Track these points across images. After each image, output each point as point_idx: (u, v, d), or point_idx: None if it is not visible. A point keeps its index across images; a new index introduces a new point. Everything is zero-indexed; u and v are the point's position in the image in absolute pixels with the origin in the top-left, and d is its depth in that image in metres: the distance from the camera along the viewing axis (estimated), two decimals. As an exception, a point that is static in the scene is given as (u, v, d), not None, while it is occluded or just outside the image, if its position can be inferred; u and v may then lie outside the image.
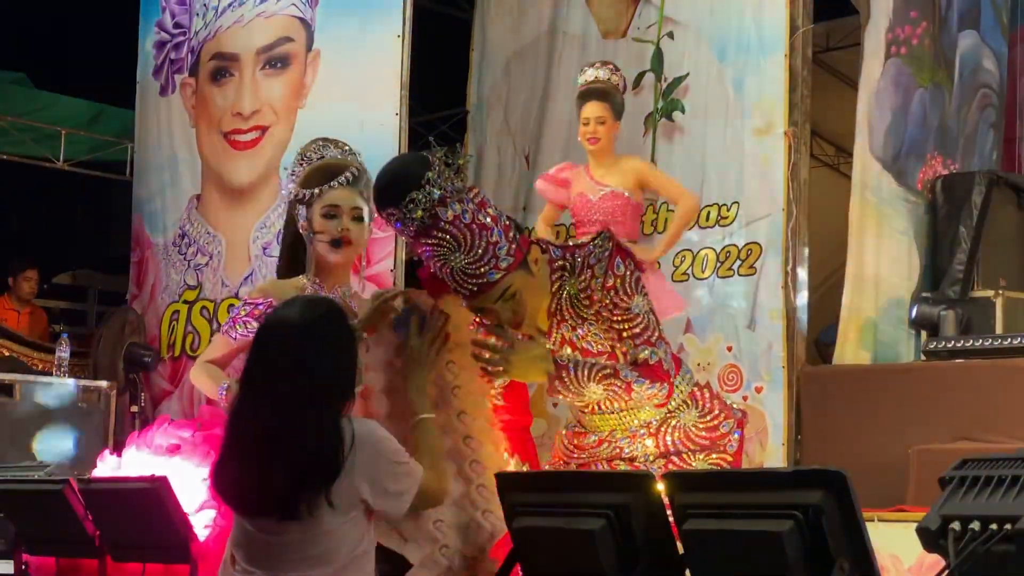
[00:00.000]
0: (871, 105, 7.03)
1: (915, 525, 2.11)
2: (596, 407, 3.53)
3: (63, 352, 7.64)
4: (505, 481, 2.77)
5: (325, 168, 3.91)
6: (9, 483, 4.64)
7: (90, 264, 11.90)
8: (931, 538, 2.06)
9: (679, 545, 2.35)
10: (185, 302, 8.01)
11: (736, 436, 3.56)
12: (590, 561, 2.42)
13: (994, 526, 1.98)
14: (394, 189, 3.28)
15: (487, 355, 3.36)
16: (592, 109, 5.87)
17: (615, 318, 3.42)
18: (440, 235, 3.27)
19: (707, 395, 3.60)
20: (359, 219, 3.87)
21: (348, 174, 3.86)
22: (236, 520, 2.97)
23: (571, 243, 3.64)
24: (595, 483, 2.63)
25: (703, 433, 3.53)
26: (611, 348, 3.46)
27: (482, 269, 3.30)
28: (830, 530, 2.10)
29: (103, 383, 7.62)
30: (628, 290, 3.43)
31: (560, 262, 3.47)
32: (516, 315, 3.40)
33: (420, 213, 3.25)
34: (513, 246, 3.35)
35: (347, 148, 4.02)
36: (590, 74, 5.94)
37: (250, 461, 2.85)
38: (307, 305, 3.03)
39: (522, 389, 4.54)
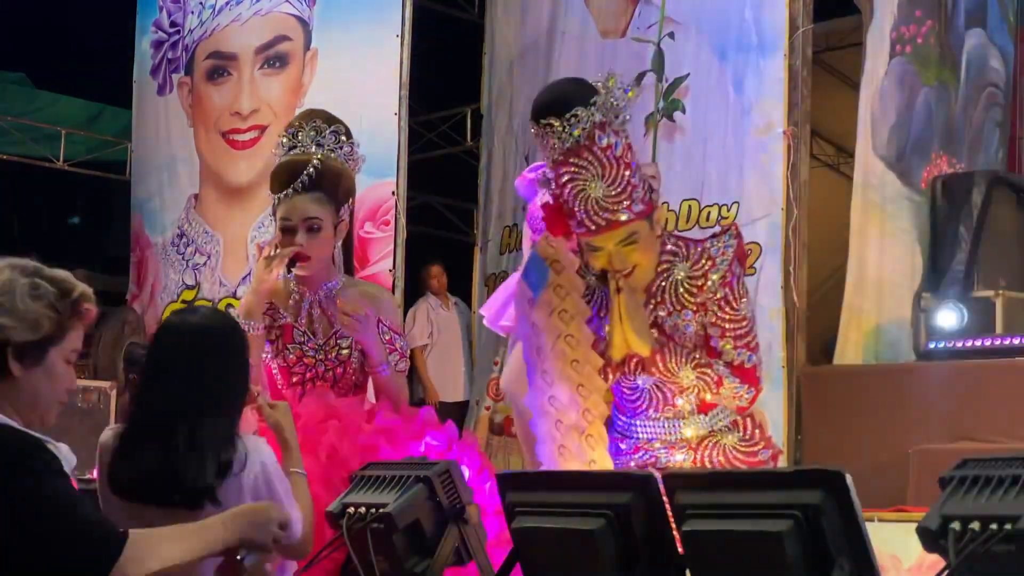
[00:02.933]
0: (874, 104, 7.03)
1: (915, 525, 2.10)
2: (646, 414, 3.55)
3: (63, 352, 7.64)
4: (505, 481, 2.77)
5: (281, 170, 3.80)
6: (9, 483, 4.63)
7: (90, 264, 11.90)
8: (931, 538, 2.06)
9: (679, 545, 2.35)
10: (184, 302, 8.01)
11: (770, 467, 3.59)
12: (590, 561, 2.41)
13: (994, 526, 1.98)
14: (560, 102, 3.34)
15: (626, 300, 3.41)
16: None
17: (723, 314, 3.46)
18: (589, 159, 3.32)
19: (750, 424, 3.64)
20: (315, 229, 3.73)
21: (299, 182, 3.72)
22: (114, 509, 2.99)
23: (689, 237, 3.68)
24: (595, 483, 2.63)
25: (741, 456, 3.56)
26: (695, 347, 3.48)
27: (616, 206, 3.34)
28: (830, 530, 2.10)
29: (103, 383, 7.62)
30: (740, 291, 3.48)
31: (672, 247, 3.51)
32: (627, 263, 3.42)
33: (579, 131, 3.30)
34: (647, 196, 3.39)
35: (325, 130, 3.84)
36: None
37: (148, 449, 2.88)
38: (208, 314, 3.10)
39: None
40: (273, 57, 7.81)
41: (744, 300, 3.49)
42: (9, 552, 2.38)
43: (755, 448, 3.58)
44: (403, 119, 7.06)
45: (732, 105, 6.74)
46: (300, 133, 3.84)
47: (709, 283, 3.45)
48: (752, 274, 6.52)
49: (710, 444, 3.55)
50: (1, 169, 10.07)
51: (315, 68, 7.61)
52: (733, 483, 2.33)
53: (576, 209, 3.37)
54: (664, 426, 3.58)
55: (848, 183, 10.44)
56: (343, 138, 3.86)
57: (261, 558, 2.80)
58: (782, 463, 6.06)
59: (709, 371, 3.44)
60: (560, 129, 3.32)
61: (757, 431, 3.63)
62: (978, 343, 6.25)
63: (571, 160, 3.34)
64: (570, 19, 7.58)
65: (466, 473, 3.46)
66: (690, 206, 6.75)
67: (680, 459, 3.55)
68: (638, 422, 3.60)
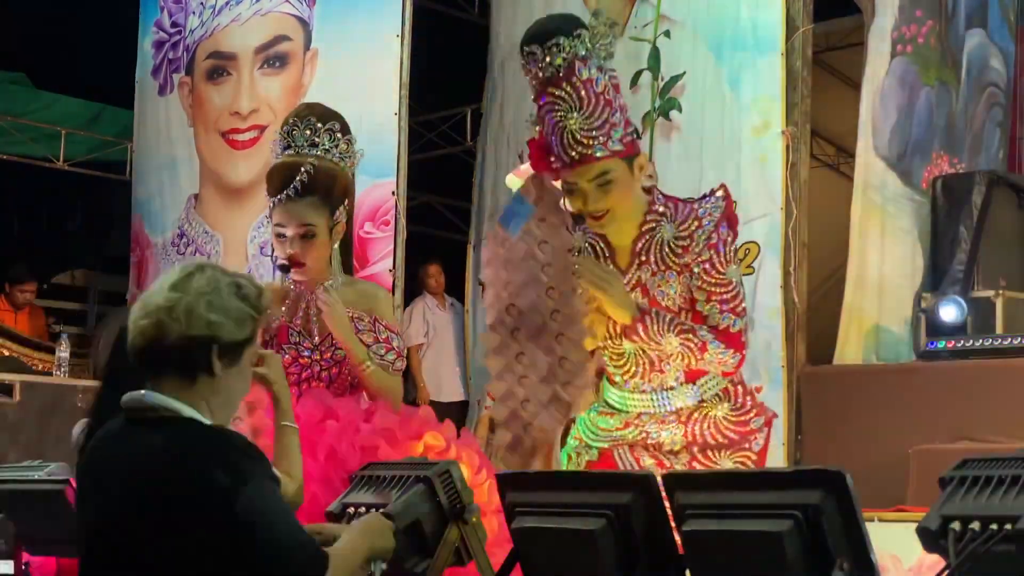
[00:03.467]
0: (875, 104, 7.03)
1: (915, 525, 2.11)
2: (636, 383, 3.52)
3: (63, 352, 7.64)
4: (505, 481, 2.77)
5: (275, 174, 3.77)
6: (9, 483, 4.63)
7: (90, 264, 11.90)
8: (931, 538, 2.06)
9: (679, 545, 2.35)
10: (184, 302, 8.00)
11: (764, 433, 3.56)
12: (590, 561, 2.41)
13: (994, 526, 1.98)
14: (545, 30, 3.35)
15: (591, 275, 3.39)
16: None
17: (710, 278, 3.42)
18: (568, 89, 3.30)
19: (740, 391, 3.59)
20: (309, 236, 3.70)
21: (292, 188, 3.69)
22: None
23: (679, 197, 3.64)
24: (595, 483, 2.63)
25: (732, 427, 3.52)
26: (680, 309, 3.46)
27: (592, 140, 3.32)
28: (830, 530, 2.09)
29: (103, 383, 7.61)
30: (728, 255, 3.44)
31: (661, 207, 3.48)
32: (600, 205, 3.39)
33: (560, 60, 3.29)
34: (628, 137, 3.38)
35: (320, 128, 3.79)
36: None
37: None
38: None
39: None
40: (273, 57, 7.82)
41: (732, 265, 3.44)
42: (221, 560, 2.33)
43: (747, 417, 3.54)
44: (403, 119, 7.05)
45: (729, 104, 6.74)
46: (295, 132, 3.81)
47: (695, 244, 3.42)
48: (751, 273, 6.52)
49: (700, 417, 3.51)
50: (1, 169, 10.07)
51: (315, 68, 7.61)
52: (733, 483, 2.33)
53: (553, 141, 3.35)
54: (653, 399, 3.55)
55: (848, 183, 10.43)
56: (339, 135, 3.82)
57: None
58: (782, 463, 6.09)
59: (692, 337, 3.40)
60: (543, 55, 3.31)
61: (748, 398, 3.58)
62: (978, 343, 6.25)
63: (550, 90, 3.33)
64: (568, 18, 7.57)
65: (466, 473, 3.46)
66: (688, 206, 6.74)
67: (676, 432, 3.52)
68: (629, 396, 3.57)
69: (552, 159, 3.38)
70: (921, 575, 4.51)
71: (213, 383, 2.45)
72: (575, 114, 3.30)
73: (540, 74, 3.34)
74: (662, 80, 7.01)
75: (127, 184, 9.05)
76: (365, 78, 7.21)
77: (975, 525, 2.00)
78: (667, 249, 3.45)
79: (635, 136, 3.42)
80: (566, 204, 3.47)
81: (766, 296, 6.47)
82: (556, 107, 3.32)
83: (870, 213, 6.94)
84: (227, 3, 8.07)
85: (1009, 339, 6.20)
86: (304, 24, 7.71)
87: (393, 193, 7.02)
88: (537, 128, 3.45)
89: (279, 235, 3.73)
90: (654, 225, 3.47)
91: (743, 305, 3.47)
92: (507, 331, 3.46)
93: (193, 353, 2.42)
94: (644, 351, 3.49)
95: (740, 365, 3.51)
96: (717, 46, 6.80)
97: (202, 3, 8.21)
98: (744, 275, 6.52)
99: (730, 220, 3.48)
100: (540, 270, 3.46)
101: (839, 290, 7.00)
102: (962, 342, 6.32)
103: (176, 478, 2.33)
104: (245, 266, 7.70)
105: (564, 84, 3.31)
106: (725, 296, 3.43)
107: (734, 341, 3.44)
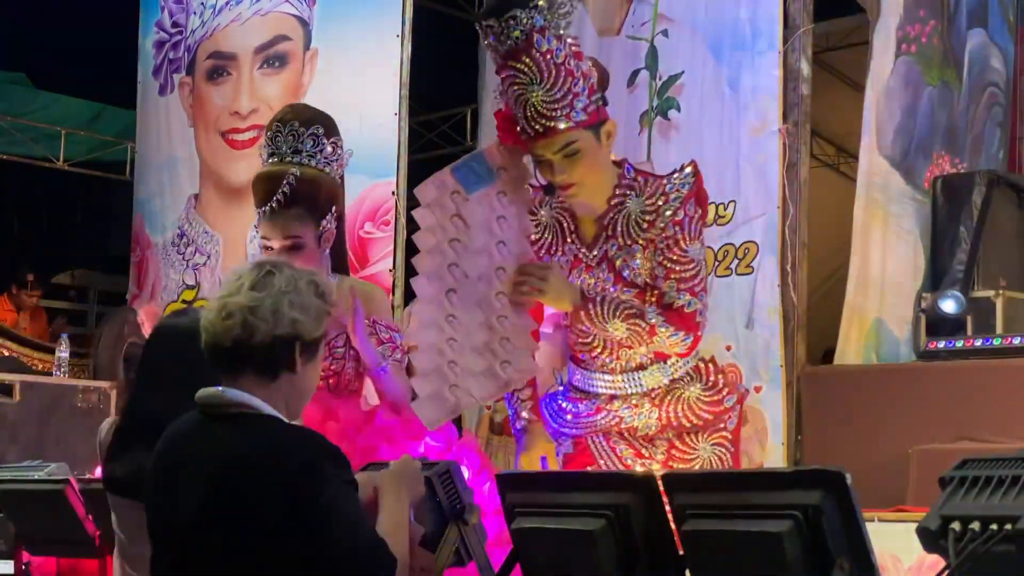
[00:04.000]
0: (880, 103, 7.02)
1: (915, 525, 2.10)
2: (603, 361, 3.50)
3: (63, 352, 7.65)
4: (505, 481, 2.77)
5: (259, 185, 3.71)
6: (9, 483, 4.63)
7: (90, 264, 11.91)
8: (931, 538, 2.06)
9: (679, 545, 2.35)
10: (184, 302, 8.01)
11: (737, 411, 3.55)
12: (590, 562, 2.41)
13: (994, 526, 1.98)
14: (501, 3, 3.29)
15: (524, 278, 3.36)
16: None
17: (671, 255, 3.40)
18: (528, 62, 3.27)
19: (712, 368, 3.58)
20: (296, 248, 3.64)
21: (274, 201, 3.63)
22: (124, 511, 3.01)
23: (650, 171, 3.61)
24: (595, 484, 2.63)
25: (706, 407, 3.51)
26: (644, 285, 3.43)
27: (554, 112, 3.29)
28: (830, 530, 2.09)
29: (103, 383, 7.62)
30: (692, 232, 3.41)
31: (629, 181, 3.46)
32: (569, 176, 3.36)
33: (518, 32, 3.26)
34: (592, 106, 3.35)
35: (303, 134, 3.71)
36: None
37: (142, 449, 2.86)
38: (197, 314, 3.09)
39: None
40: (273, 57, 7.81)
41: (695, 243, 3.41)
42: (299, 559, 2.37)
43: (720, 396, 3.53)
44: (403, 119, 7.05)
45: (727, 103, 6.73)
46: (278, 138, 3.72)
47: (660, 219, 3.39)
48: (750, 273, 6.52)
49: (673, 400, 3.50)
50: (1, 169, 10.08)
51: (315, 68, 7.60)
52: (733, 483, 2.33)
53: (517, 114, 3.32)
54: (625, 380, 3.52)
55: (848, 183, 10.44)
56: (323, 139, 3.74)
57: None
58: (781, 463, 6.08)
59: (640, 321, 3.38)
60: (500, 29, 3.27)
61: (720, 376, 3.57)
62: (978, 343, 6.25)
63: (510, 64, 3.30)
64: (567, 17, 7.57)
65: (466, 473, 3.46)
66: (687, 205, 6.74)
67: (651, 415, 3.51)
68: (597, 376, 3.55)
69: (518, 131, 3.36)
70: (921, 575, 4.51)
71: (293, 379, 2.51)
72: (536, 87, 3.27)
73: (500, 48, 3.30)
74: (660, 79, 7.00)
75: (127, 184, 9.06)
76: (365, 78, 7.20)
77: (975, 525, 1.99)
78: (633, 223, 3.43)
79: (600, 103, 3.38)
80: (537, 174, 3.45)
81: (765, 296, 6.46)
82: (517, 79, 3.30)
83: (873, 213, 6.94)
84: (227, 3, 8.06)
85: (1009, 339, 6.20)
86: (304, 24, 7.71)
87: (393, 193, 7.01)
88: (503, 100, 3.42)
89: (266, 248, 3.67)
90: (621, 199, 3.44)
91: (702, 285, 3.45)
92: (443, 288, 3.38)
93: (278, 351, 2.47)
94: None
95: (695, 345, 3.49)
96: (716, 45, 6.80)
97: (202, 3, 8.21)
98: (742, 275, 6.56)
99: (699, 197, 3.44)
100: (494, 245, 3.41)
101: (839, 290, 7.00)
102: (962, 342, 6.32)
103: (262, 475, 2.36)
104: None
105: (524, 57, 3.27)
106: (684, 275, 3.41)
107: (687, 322, 3.41)
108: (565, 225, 3.53)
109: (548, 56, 3.27)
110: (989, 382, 5.93)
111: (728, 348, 6.52)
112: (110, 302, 10.46)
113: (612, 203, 3.45)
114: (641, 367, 3.50)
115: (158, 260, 8.31)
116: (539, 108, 3.28)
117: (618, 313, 3.38)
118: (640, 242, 3.41)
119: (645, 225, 3.41)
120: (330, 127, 3.80)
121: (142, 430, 2.94)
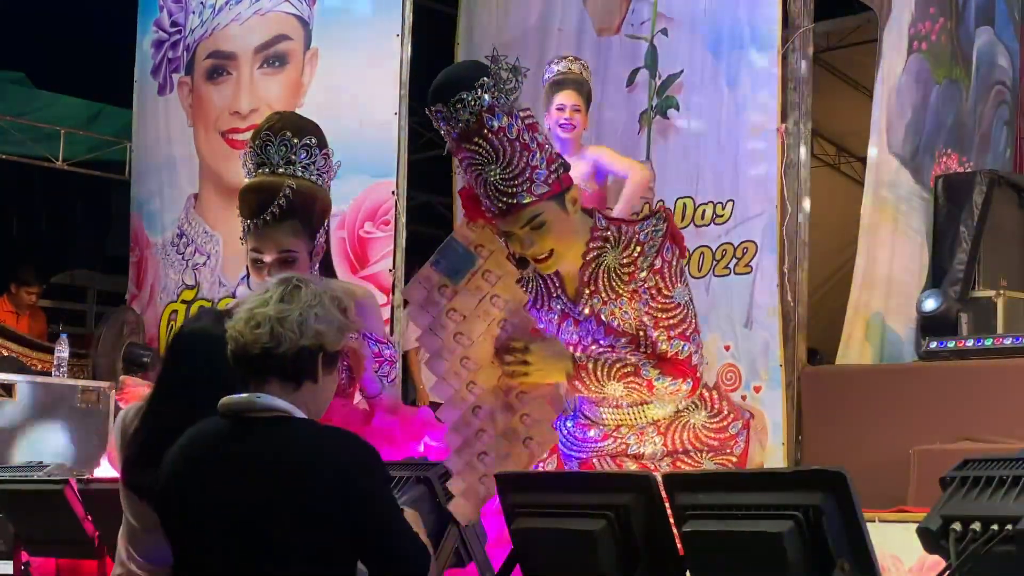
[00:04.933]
0: (891, 101, 7.01)
1: (916, 526, 2.10)
2: (611, 400, 3.51)
3: (62, 352, 7.64)
4: (505, 482, 2.76)
5: (250, 195, 3.61)
6: (9, 483, 4.63)
7: (89, 264, 11.90)
8: (932, 539, 2.06)
9: (679, 546, 2.35)
10: (183, 302, 8.00)
11: (743, 436, 3.55)
12: (590, 562, 2.41)
13: (995, 527, 1.98)
14: (446, 87, 3.28)
15: (507, 358, 3.34)
16: (568, 96, 6.06)
17: (655, 304, 3.35)
18: (481, 143, 3.24)
19: (716, 396, 3.58)
20: (289, 260, 3.56)
21: (268, 214, 3.55)
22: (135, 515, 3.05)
23: (617, 216, 3.57)
24: (595, 484, 2.63)
25: (712, 434, 3.51)
26: (637, 331, 3.42)
27: (514, 189, 3.25)
28: (830, 530, 2.09)
29: (103, 383, 7.61)
30: (673, 277, 3.36)
31: (603, 232, 3.41)
32: (540, 247, 3.33)
33: (467, 115, 3.23)
34: (553, 176, 3.30)
35: (295, 144, 3.62)
36: (563, 66, 6.10)
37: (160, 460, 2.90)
38: (218, 319, 3.11)
39: None
40: (273, 56, 7.81)
41: (679, 286, 3.37)
42: (347, 554, 2.51)
43: (725, 423, 3.52)
44: (403, 119, 7.04)
45: (726, 102, 6.72)
46: (269, 147, 3.62)
47: (638, 271, 3.35)
48: (748, 272, 6.51)
49: (679, 425, 3.49)
50: (1, 169, 10.07)
51: (315, 68, 7.60)
52: (733, 484, 2.33)
53: (479, 194, 3.30)
54: (630, 412, 3.52)
55: (849, 183, 10.45)
56: (315, 150, 3.66)
57: None
58: (781, 463, 6.07)
59: (636, 378, 3.36)
60: (449, 114, 3.25)
61: (724, 403, 3.56)
62: (979, 343, 6.24)
63: (464, 145, 3.27)
64: (567, 15, 7.56)
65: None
66: (685, 204, 6.74)
67: (657, 442, 3.50)
68: (603, 409, 3.54)
69: (483, 208, 3.34)
70: None
71: (314, 388, 2.65)
72: (493, 166, 3.23)
73: (451, 130, 3.28)
74: (659, 78, 7.00)
75: (126, 184, 9.04)
76: (365, 78, 7.20)
77: (976, 526, 1.99)
78: (614, 276, 3.39)
79: (561, 171, 3.33)
80: (510, 248, 3.41)
81: (764, 295, 6.46)
82: (474, 160, 3.26)
83: (882, 211, 6.93)
84: (227, 2, 8.06)
85: (1009, 339, 6.19)
86: (304, 24, 7.71)
87: (393, 193, 7.00)
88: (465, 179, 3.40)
89: (256, 260, 3.59)
90: (597, 253, 3.40)
91: (692, 327, 3.41)
92: (460, 382, 3.39)
93: (302, 361, 2.61)
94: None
95: (695, 388, 3.46)
96: (715, 44, 6.79)
97: (202, 2, 8.20)
98: (741, 274, 6.56)
99: (674, 237, 3.39)
100: (496, 326, 3.39)
101: (838, 290, 6.99)
102: (963, 342, 6.31)
103: (316, 474, 2.48)
104: (244, 266, 7.69)
105: (476, 138, 3.23)
106: (672, 321, 3.37)
107: (682, 368, 3.39)
108: (550, 282, 3.52)
109: (501, 134, 3.23)
110: (990, 382, 5.93)
111: (727, 348, 6.52)
112: (109, 302, 10.44)
113: (588, 258, 3.41)
114: (645, 402, 3.51)
115: (157, 260, 8.30)
116: (499, 186, 3.25)
117: (614, 374, 3.37)
118: (624, 295, 3.40)
119: (626, 278, 3.37)
120: (321, 138, 3.71)
121: (166, 438, 2.94)
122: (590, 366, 3.37)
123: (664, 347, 3.38)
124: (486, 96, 3.23)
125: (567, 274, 3.48)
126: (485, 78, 3.24)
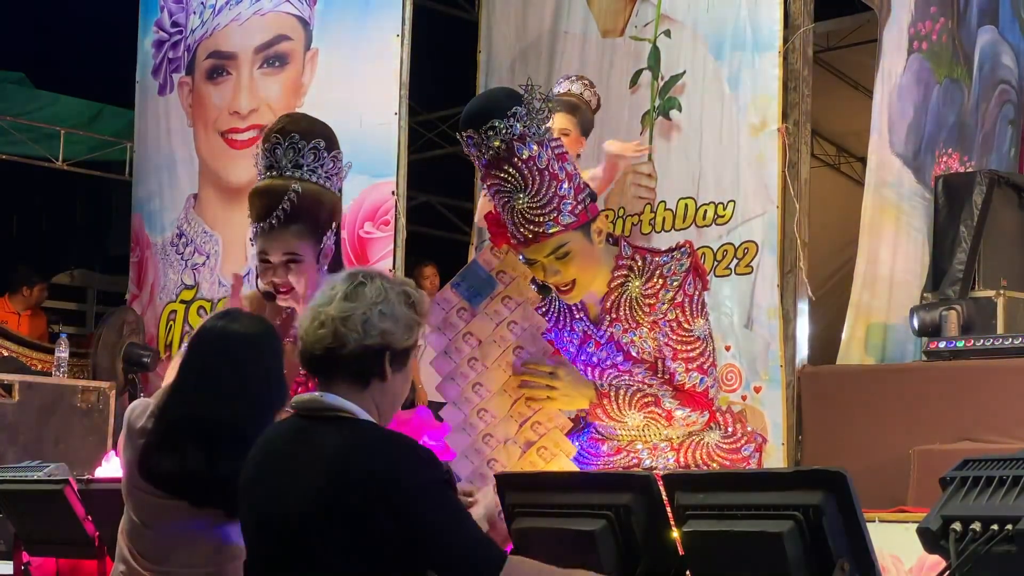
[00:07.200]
0: (892, 101, 7.01)
1: (916, 526, 2.10)
2: (630, 426, 3.54)
3: (62, 352, 7.64)
4: (505, 482, 2.76)
5: (257, 198, 3.63)
6: (9, 483, 4.63)
7: (89, 264, 11.90)
8: (932, 539, 2.06)
9: (679, 546, 2.35)
10: (182, 302, 8.01)
11: (755, 459, 3.57)
12: (590, 562, 2.41)
13: (995, 527, 1.97)
14: (479, 113, 3.28)
15: (531, 382, 3.38)
16: (557, 120, 5.96)
17: (675, 336, 3.40)
18: (510, 171, 3.26)
19: (729, 419, 3.62)
20: (295, 262, 3.59)
21: (274, 218, 3.57)
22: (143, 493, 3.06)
23: (644, 245, 3.61)
24: (595, 484, 2.63)
25: (724, 454, 3.54)
26: (655, 360, 3.44)
27: (542, 218, 3.28)
28: (831, 531, 2.09)
29: (103, 383, 7.61)
30: (694, 311, 3.41)
31: (628, 261, 3.45)
32: (564, 276, 3.37)
33: (498, 143, 3.24)
34: (580, 207, 3.33)
35: (304, 147, 3.63)
36: (564, 86, 6.02)
37: (192, 449, 2.96)
38: (246, 319, 3.14)
39: None
40: (273, 57, 7.81)
41: (699, 320, 3.41)
42: (402, 556, 2.44)
43: (738, 445, 3.55)
44: (403, 119, 7.05)
45: (728, 103, 6.73)
46: (278, 151, 3.63)
47: (660, 303, 3.39)
48: (749, 272, 6.52)
49: (693, 443, 3.52)
50: (1, 169, 10.07)
51: (315, 68, 7.60)
52: (733, 483, 2.32)
53: (506, 221, 3.32)
54: (643, 431, 3.55)
55: (849, 183, 10.44)
56: (324, 153, 3.66)
57: None
58: (781, 463, 6.07)
59: (656, 408, 3.41)
60: (479, 140, 3.26)
61: (738, 426, 3.59)
62: (979, 343, 6.24)
63: (493, 172, 3.29)
64: (572, 18, 7.58)
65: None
66: (686, 204, 6.75)
67: (670, 458, 3.53)
68: (617, 426, 3.57)
69: (508, 235, 3.36)
70: None
71: (384, 386, 2.60)
72: (521, 194, 3.26)
73: (481, 157, 3.29)
74: (662, 79, 7.01)
75: (126, 184, 9.04)
76: (365, 78, 7.21)
77: (976, 526, 1.99)
78: (636, 306, 3.43)
79: (588, 201, 3.36)
80: (532, 274, 3.43)
81: (764, 295, 6.46)
82: (502, 188, 3.29)
83: (884, 211, 6.92)
84: (227, 3, 8.06)
85: (1010, 339, 6.19)
86: (304, 24, 7.71)
87: (393, 193, 7.01)
88: (492, 204, 3.40)
89: (263, 261, 3.62)
90: (622, 280, 3.44)
91: (710, 361, 3.47)
92: (471, 408, 3.44)
93: (368, 360, 2.56)
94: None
95: (712, 419, 3.51)
96: (717, 45, 6.80)
97: (202, 3, 8.21)
98: (742, 274, 6.56)
99: (697, 271, 3.44)
100: (512, 352, 3.42)
101: (838, 290, 6.99)
102: (963, 342, 6.31)
103: (368, 476, 2.43)
104: (244, 266, 7.70)
105: (506, 166, 3.26)
106: (691, 354, 3.42)
107: (699, 400, 3.44)
108: (574, 309, 3.54)
109: (531, 163, 3.25)
110: (990, 382, 5.93)
111: (727, 348, 6.52)
112: (109, 302, 10.45)
113: (612, 285, 3.45)
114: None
115: (157, 260, 8.31)
116: (526, 215, 3.28)
117: (635, 403, 3.42)
118: (645, 324, 3.42)
119: (647, 308, 3.42)
120: (331, 140, 3.72)
121: (190, 428, 2.98)
122: (612, 394, 3.41)
123: (682, 379, 3.43)
124: (518, 125, 3.25)
125: (591, 303, 3.50)
126: (518, 107, 3.26)
